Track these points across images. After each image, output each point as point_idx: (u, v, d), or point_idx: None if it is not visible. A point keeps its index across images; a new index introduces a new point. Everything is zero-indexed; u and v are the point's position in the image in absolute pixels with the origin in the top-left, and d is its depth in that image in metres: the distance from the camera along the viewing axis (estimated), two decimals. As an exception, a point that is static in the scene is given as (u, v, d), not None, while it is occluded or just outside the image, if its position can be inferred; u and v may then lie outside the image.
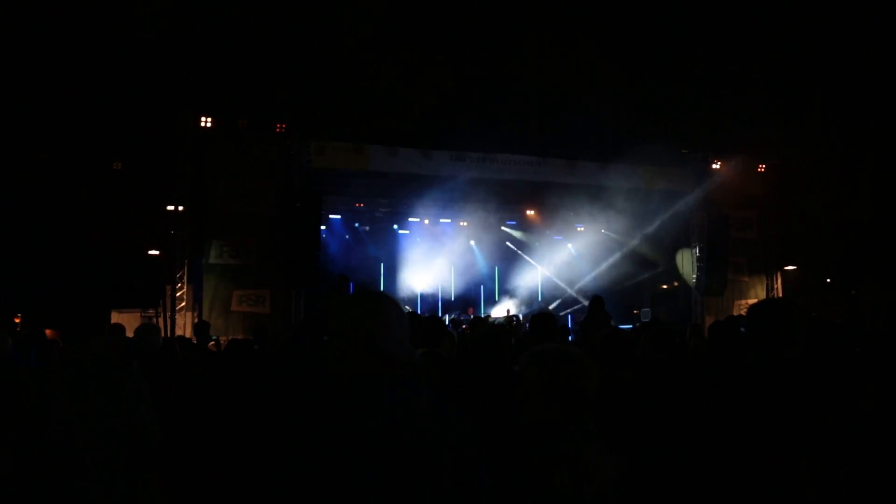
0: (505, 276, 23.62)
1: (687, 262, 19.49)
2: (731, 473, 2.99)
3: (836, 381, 3.69)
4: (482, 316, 18.72)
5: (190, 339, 10.45)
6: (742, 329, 5.40)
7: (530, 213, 21.94)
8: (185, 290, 15.37)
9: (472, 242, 23.14)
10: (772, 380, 3.02)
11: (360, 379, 2.11)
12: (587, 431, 2.46)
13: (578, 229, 22.36)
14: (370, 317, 2.17)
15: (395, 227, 21.89)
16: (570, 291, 22.90)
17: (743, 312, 17.74)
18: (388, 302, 2.24)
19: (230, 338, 11.81)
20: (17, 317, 15.35)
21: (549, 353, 2.58)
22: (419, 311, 21.01)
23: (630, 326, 16.93)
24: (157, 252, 16.59)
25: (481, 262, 23.50)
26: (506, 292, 23.52)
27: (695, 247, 18.97)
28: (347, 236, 21.53)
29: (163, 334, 13.81)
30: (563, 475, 2.33)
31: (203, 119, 15.36)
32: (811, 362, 3.53)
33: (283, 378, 5.06)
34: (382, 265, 22.20)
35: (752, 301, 18.81)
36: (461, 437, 2.06)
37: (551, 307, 22.24)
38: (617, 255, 21.24)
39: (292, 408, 2.21)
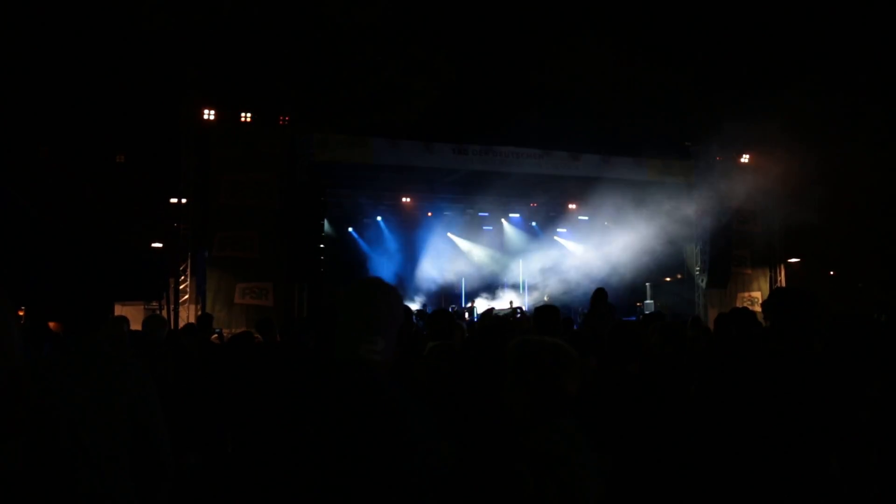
0: (509, 268, 23.58)
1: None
2: (761, 467, 2.95)
3: (861, 375, 3.65)
4: (487, 309, 18.72)
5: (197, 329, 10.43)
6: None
7: (534, 205, 21.90)
8: (188, 282, 15.37)
9: (475, 234, 23.14)
10: (800, 372, 2.97)
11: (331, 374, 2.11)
12: (566, 427, 2.40)
13: (581, 220, 22.33)
14: (340, 309, 2.18)
15: (398, 219, 21.87)
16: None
17: (747, 305, 17.73)
18: (356, 292, 2.21)
19: (232, 331, 11.80)
20: (21, 310, 15.37)
21: (530, 346, 2.53)
22: (423, 304, 21.09)
23: (633, 318, 16.91)
24: (160, 244, 16.61)
25: (483, 255, 23.49)
26: (510, 285, 23.48)
27: (698, 240, 18.94)
28: (351, 229, 21.53)
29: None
30: (523, 470, 2.28)
31: (206, 112, 15.34)
32: (838, 355, 3.49)
33: (281, 371, 5.06)
34: (384, 257, 22.18)
35: (755, 294, 18.81)
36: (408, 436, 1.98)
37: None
38: (620, 248, 21.18)
39: (279, 402, 2.18)
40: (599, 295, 9.78)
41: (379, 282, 2.26)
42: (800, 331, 3.02)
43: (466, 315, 18.76)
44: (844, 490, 2.83)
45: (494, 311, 16.23)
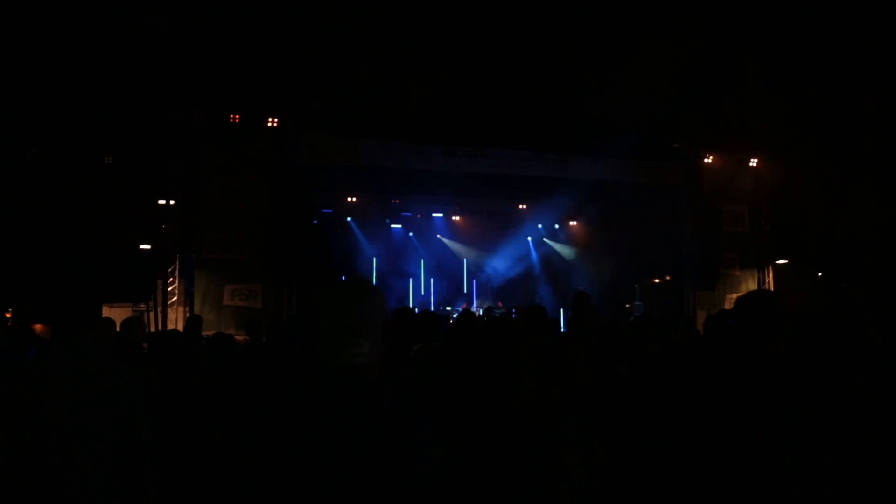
0: (498, 269, 23.60)
1: None
2: (719, 467, 2.98)
3: (824, 375, 3.68)
4: (484, 309, 18.79)
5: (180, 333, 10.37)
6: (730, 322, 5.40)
7: (522, 207, 21.95)
8: (176, 284, 15.34)
9: (466, 236, 23.16)
10: (754, 373, 3.00)
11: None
12: (575, 421, 2.54)
13: (571, 224, 22.40)
14: (320, 313, 2.15)
15: (387, 221, 21.90)
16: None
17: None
18: (335, 294, 2.17)
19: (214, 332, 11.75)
20: (9, 312, 15.28)
21: (546, 345, 2.64)
22: (411, 306, 21.08)
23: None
24: (148, 246, 16.54)
25: (473, 256, 23.52)
26: (498, 288, 23.51)
27: (687, 241, 19.01)
28: (340, 230, 21.52)
29: (154, 328, 13.81)
30: (575, 461, 2.39)
31: (195, 113, 15.30)
32: (796, 356, 3.52)
33: (266, 372, 5.05)
34: (374, 259, 22.18)
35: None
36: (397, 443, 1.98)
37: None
38: (609, 250, 21.25)
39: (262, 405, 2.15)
40: (581, 298, 9.77)
41: (358, 282, 2.24)
42: (760, 332, 3.05)
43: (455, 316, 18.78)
44: (795, 490, 2.85)
45: (485, 312, 16.32)
